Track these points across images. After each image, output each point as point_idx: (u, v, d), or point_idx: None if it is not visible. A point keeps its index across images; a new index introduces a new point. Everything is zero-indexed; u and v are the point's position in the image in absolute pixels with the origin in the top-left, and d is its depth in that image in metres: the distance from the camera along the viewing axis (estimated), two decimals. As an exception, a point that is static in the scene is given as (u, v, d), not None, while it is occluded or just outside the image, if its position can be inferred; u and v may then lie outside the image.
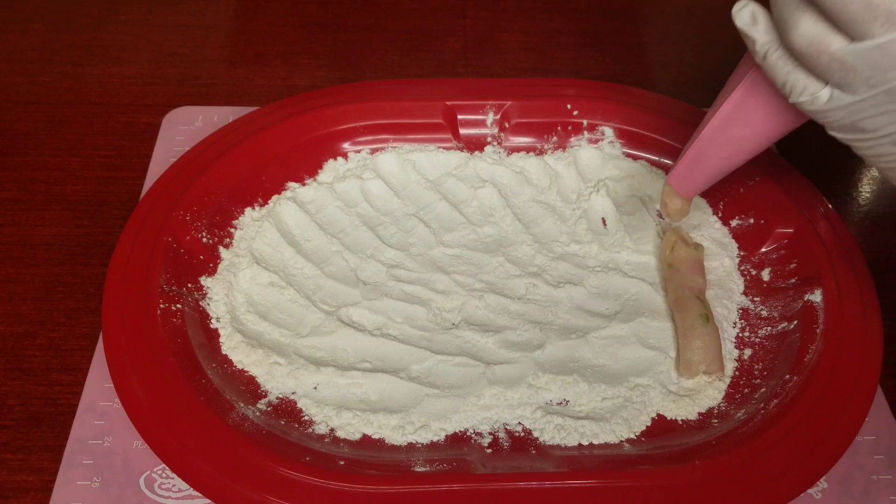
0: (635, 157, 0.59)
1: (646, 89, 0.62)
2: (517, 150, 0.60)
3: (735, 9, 0.36)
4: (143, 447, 0.43)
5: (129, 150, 0.61)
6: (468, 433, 0.45)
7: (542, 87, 0.61)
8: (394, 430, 0.44)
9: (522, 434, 0.45)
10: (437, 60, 0.71)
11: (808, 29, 0.33)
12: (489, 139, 0.60)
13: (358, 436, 0.44)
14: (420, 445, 0.44)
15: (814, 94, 0.34)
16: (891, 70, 0.32)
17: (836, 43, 0.32)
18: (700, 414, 0.46)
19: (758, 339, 0.50)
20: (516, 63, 0.71)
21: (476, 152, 0.60)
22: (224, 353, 0.47)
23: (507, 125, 0.60)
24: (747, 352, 0.49)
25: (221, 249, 0.52)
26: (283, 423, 0.44)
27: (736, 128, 0.42)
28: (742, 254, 0.55)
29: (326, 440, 0.44)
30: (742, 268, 0.54)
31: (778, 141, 0.42)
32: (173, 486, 0.43)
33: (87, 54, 0.69)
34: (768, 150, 0.58)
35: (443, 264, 0.53)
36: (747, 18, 0.36)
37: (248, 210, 0.54)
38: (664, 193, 0.48)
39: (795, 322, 0.49)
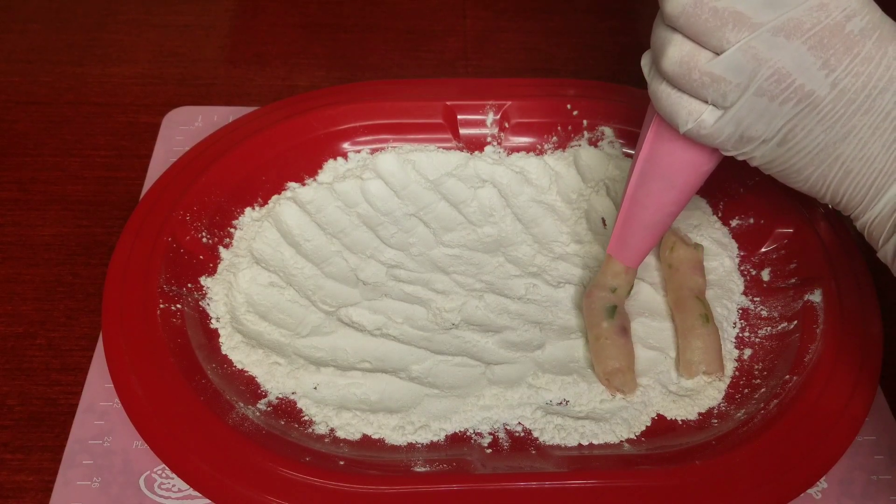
0: (635, 157, 0.59)
1: (646, 89, 0.62)
2: (517, 150, 0.60)
3: (643, 57, 0.40)
4: (143, 447, 0.43)
5: (129, 150, 0.61)
6: (468, 433, 0.45)
7: (542, 87, 0.61)
8: (394, 430, 0.44)
9: (522, 434, 0.45)
10: (437, 60, 0.71)
11: (676, 51, 0.36)
12: (489, 139, 0.60)
13: (358, 436, 0.44)
14: (420, 445, 0.44)
15: (698, 118, 0.37)
16: (753, 70, 0.34)
17: (702, 58, 0.35)
18: (700, 414, 0.46)
19: (758, 339, 0.50)
20: (516, 63, 0.71)
21: (476, 152, 0.60)
22: (224, 353, 0.47)
23: (507, 125, 0.60)
24: (747, 352, 0.49)
25: (221, 249, 0.52)
26: (283, 423, 0.44)
27: (654, 182, 0.43)
28: (742, 254, 0.55)
29: (326, 440, 0.44)
30: (742, 268, 0.54)
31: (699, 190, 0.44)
32: (173, 486, 0.43)
33: (87, 54, 0.69)
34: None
35: (443, 264, 0.53)
36: (645, 61, 0.40)
37: (248, 210, 0.54)
38: (607, 267, 0.48)
39: (795, 322, 0.49)
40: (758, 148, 0.37)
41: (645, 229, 0.46)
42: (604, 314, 0.48)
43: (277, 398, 0.46)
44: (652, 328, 0.50)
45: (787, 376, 0.45)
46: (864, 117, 0.35)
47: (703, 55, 0.35)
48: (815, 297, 0.49)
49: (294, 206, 0.55)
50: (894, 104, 0.34)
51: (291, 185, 0.56)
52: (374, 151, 0.59)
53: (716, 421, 0.45)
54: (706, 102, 0.37)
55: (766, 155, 0.38)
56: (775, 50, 0.34)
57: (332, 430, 0.44)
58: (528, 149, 0.60)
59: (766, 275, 0.53)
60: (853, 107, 0.35)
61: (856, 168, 0.36)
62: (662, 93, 0.38)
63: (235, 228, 0.54)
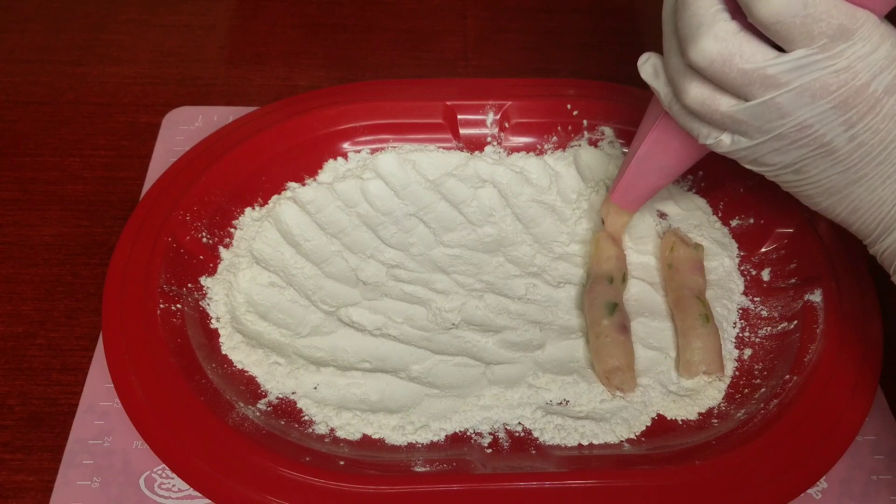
0: (635, 157, 0.59)
1: (646, 89, 0.62)
2: (517, 150, 0.60)
3: (640, 62, 0.41)
4: (143, 447, 0.43)
5: (129, 150, 0.61)
6: (468, 433, 0.45)
7: (542, 87, 0.61)
8: (394, 430, 0.44)
9: (522, 434, 0.45)
10: (437, 60, 0.71)
11: (698, 93, 0.37)
12: (489, 139, 0.60)
13: (358, 436, 0.44)
14: (420, 445, 0.44)
15: (717, 139, 0.38)
16: (776, 120, 0.35)
17: (724, 104, 0.36)
18: (700, 414, 0.46)
19: (758, 339, 0.50)
20: (516, 63, 0.71)
21: (476, 152, 0.60)
22: (224, 353, 0.47)
23: (507, 125, 0.60)
24: (747, 352, 0.49)
25: (221, 249, 0.52)
26: (283, 423, 0.44)
27: (658, 160, 0.46)
28: (742, 254, 0.55)
29: (326, 440, 0.44)
30: (742, 268, 0.54)
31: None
32: (173, 486, 0.43)
33: (87, 54, 0.69)
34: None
35: (443, 264, 0.53)
36: (650, 71, 0.40)
37: (248, 210, 0.54)
38: (608, 209, 0.51)
39: (795, 322, 0.48)
40: (773, 171, 0.38)
41: (646, 192, 0.49)
42: (604, 311, 0.48)
43: (277, 398, 0.46)
44: (652, 328, 0.50)
45: (787, 376, 0.45)
46: (878, 167, 0.36)
47: (724, 101, 0.36)
48: (815, 297, 0.49)
49: (294, 206, 0.55)
50: None
51: (291, 185, 0.56)
52: (374, 151, 0.59)
53: (716, 421, 0.45)
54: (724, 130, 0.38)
55: (781, 177, 0.39)
56: (801, 107, 0.34)
57: (332, 430, 0.44)
58: (528, 149, 0.60)
59: (766, 275, 0.53)
60: (868, 158, 0.35)
61: (864, 207, 0.37)
62: (680, 112, 0.39)
63: (235, 228, 0.54)
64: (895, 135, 0.35)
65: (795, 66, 0.33)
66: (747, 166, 0.39)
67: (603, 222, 0.52)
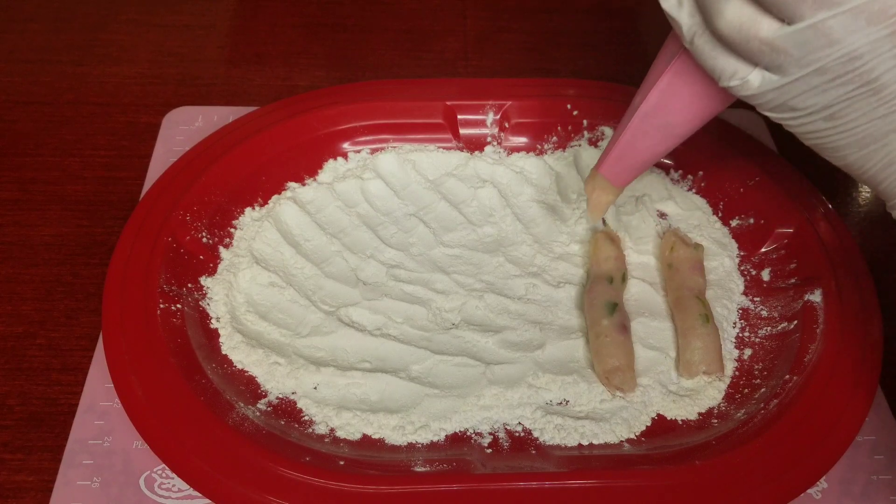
0: (635, 157, 0.59)
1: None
2: (517, 150, 0.60)
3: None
4: (143, 447, 0.43)
5: (129, 150, 0.61)
6: (468, 433, 0.45)
7: (542, 87, 0.61)
8: (394, 430, 0.44)
9: (522, 434, 0.45)
10: (437, 60, 0.71)
11: (736, 14, 0.32)
12: (489, 139, 0.60)
13: (358, 436, 0.44)
14: (420, 445, 0.44)
15: (744, 78, 0.34)
16: (821, 49, 0.31)
17: (765, 27, 0.32)
18: (700, 414, 0.46)
19: (758, 339, 0.50)
20: (516, 63, 0.71)
21: (476, 152, 0.60)
22: (224, 353, 0.47)
23: (507, 125, 0.60)
24: (747, 352, 0.49)
25: (221, 249, 0.52)
26: (283, 423, 0.44)
27: (665, 114, 0.41)
28: (742, 254, 0.55)
29: (326, 440, 0.44)
30: (742, 268, 0.54)
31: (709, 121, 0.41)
32: (173, 486, 0.43)
33: (87, 54, 0.69)
34: (768, 150, 0.58)
35: (443, 264, 0.53)
36: (673, 0, 0.35)
37: (248, 210, 0.54)
38: (593, 185, 0.47)
39: (795, 322, 0.49)
40: (800, 118, 0.34)
41: (643, 160, 0.44)
42: (604, 311, 0.48)
43: (277, 398, 0.46)
44: (652, 328, 0.50)
45: (787, 376, 0.45)
46: None
47: (767, 23, 0.32)
48: (815, 297, 0.49)
49: (294, 206, 0.55)
50: None
51: (291, 185, 0.56)
52: (374, 151, 0.59)
53: (716, 421, 0.45)
54: (756, 66, 0.34)
55: (807, 126, 0.35)
56: (853, 33, 0.31)
57: (332, 430, 0.44)
58: (528, 149, 0.60)
59: (766, 275, 0.53)
60: None
61: None
62: (705, 46, 0.34)
63: (235, 228, 0.54)
64: None
65: None
66: (768, 113, 0.35)
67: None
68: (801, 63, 0.32)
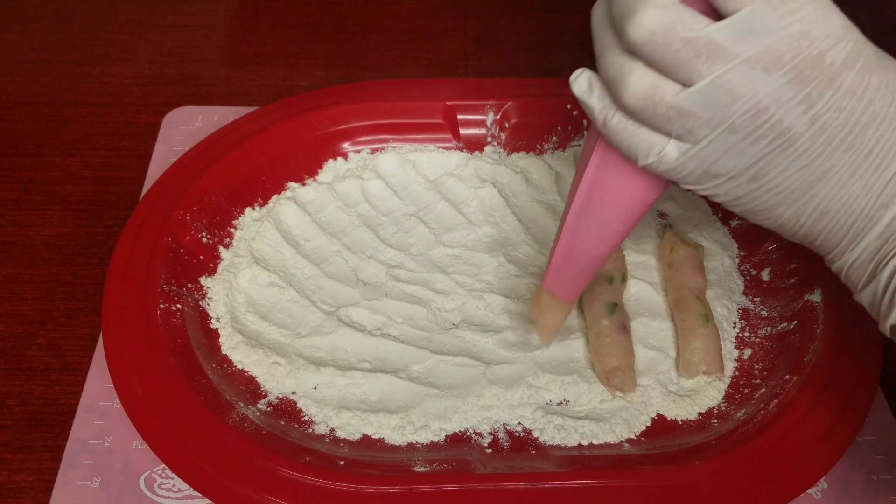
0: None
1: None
2: (517, 150, 0.60)
3: (572, 77, 0.36)
4: (143, 447, 0.43)
5: (129, 150, 0.61)
6: (468, 433, 0.45)
7: (542, 87, 0.61)
8: (394, 430, 0.44)
9: (522, 434, 0.45)
10: (437, 60, 0.71)
11: (639, 83, 0.32)
12: (489, 139, 0.60)
13: (358, 436, 0.44)
14: (420, 445, 0.44)
15: (661, 153, 0.33)
16: (727, 105, 0.31)
17: (669, 91, 0.32)
18: (700, 414, 0.46)
19: (758, 339, 0.50)
20: (516, 63, 0.71)
21: (476, 152, 0.60)
22: (224, 353, 0.47)
23: (507, 125, 0.60)
24: (747, 352, 0.49)
25: (221, 249, 0.52)
26: (283, 423, 0.44)
27: (598, 210, 0.39)
28: (742, 254, 0.55)
29: (326, 440, 0.44)
30: (742, 268, 0.54)
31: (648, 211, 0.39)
32: (173, 486, 0.43)
33: (87, 54, 0.69)
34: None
35: (443, 264, 0.53)
36: (584, 86, 0.35)
37: (248, 210, 0.54)
38: (539, 306, 0.44)
39: (795, 322, 0.49)
40: (724, 184, 0.34)
41: (584, 265, 0.42)
42: (604, 311, 0.48)
43: (277, 398, 0.46)
44: (652, 328, 0.50)
45: (787, 376, 0.45)
46: (844, 156, 0.32)
47: (670, 87, 0.32)
48: (815, 297, 0.49)
49: (294, 206, 0.55)
50: (875, 142, 0.32)
51: (291, 185, 0.56)
52: (374, 151, 0.59)
53: (716, 421, 0.45)
54: (669, 136, 0.33)
55: (733, 192, 0.34)
56: (752, 84, 0.31)
57: (332, 430, 0.44)
58: (528, 149, 0.60)
59: (766, 275, 0.53)
60: (833, 145, 0.32)
61: (833, 209, 0.34)
62: (618, 125, 0.34)
63: (235, 228, 0.54)
64: (859, 114, 0.31)
65: (743, 28, 0.30)
66: (693, 187, 0.35)
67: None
68: (710, 124, 0.32)
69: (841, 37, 0.30)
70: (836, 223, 0.34)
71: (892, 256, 0.34)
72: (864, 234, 0.34)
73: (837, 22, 0.30)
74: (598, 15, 0.35)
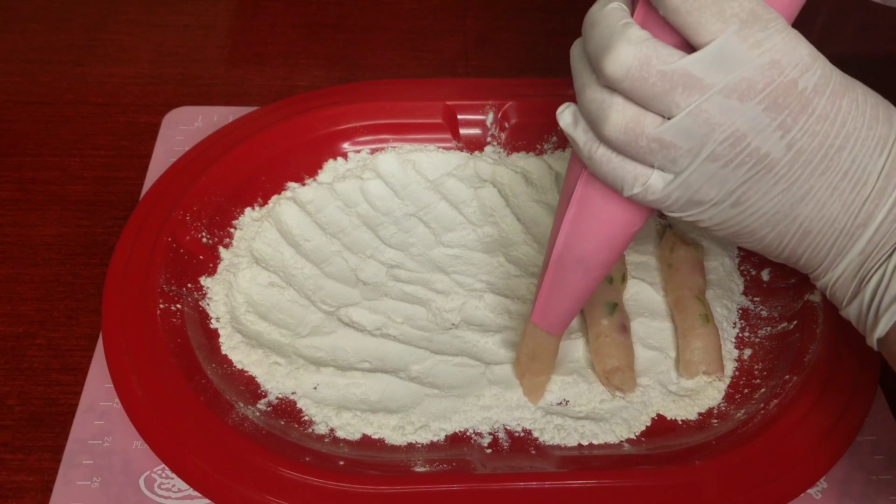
0: (635, 157, 0.59)
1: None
2: (517, 150, 0.60)
3: (558, 111, 0.37)
4: (143, 447, 0.43)
5: (129, 150, 0.61)
6: (468, 433, 0.45)
7: (542, 87, 0.61)
8: (394, 430, 0.44)
9: (522, 434, 0.45)
10: (437, 60, 0.71)
11: (620, 117, 0.33)
12: (489, 139, 0.60)
13: (358, 436, 0.44)
14: (420, 445, 0.44)
15: (646, 183, 0.34)
16: (706, 135, 0.32)
17: (649, 123, 0.33)
18: (700, 414, 0.46)
19: (758, 339, 0.50)
20: (516, 63, 0.71)
21: (476, 152, 0.60)
22: (224, 353, 0.47)
23: (507, 125, 0.60)
24: (747, 352, 0.49)
25: (221, 249, 0.52)
26: (282, 423, 0.44)
27: (582, 243, 0.39)
28: (742, 254, 0.55)
29: (326, 440, 0.44)
30: (742, 268, 0.54)
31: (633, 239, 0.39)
32: (173, 486, 0.43)
33: (87, 54, 0.69)
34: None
35: (443, 264, 0.53)
36: (569, 119, 0.36)
37: (248, 210, 0.54)
38: (528, 344, 0.44)
39: (795, 322, 0.49)
40: (708, 210, 0.35)
41: (572, 296, 0.42)
42: (604, 311, 0.48)
43: (277, 398, 0.46)
44: (652, 328, 0.50)
45: (787, 376, 0.45)
46: (822, 177, 0.33)
47: (650, 119, 0.33)
48: (815, 297, 0.49)
49: (294, 206, 0.55)
50: (851, 162, 0.33)
51: (291, 185, 0.56)
52: (374, 151, 0.59)
53: (716, 421, 0.45)
54: (652, 167, 0.34)
55: (717, 217, 0.35)
56: (728, 113, 0.32)
57: (332, 430, 0.44)
58: (528, 149, 0.60)
59: (766, 275, 0.53)
60: (810, 167, 0.33)
61: (815, 229, 0.35)
62: (602, 157, 0.35)
63: (235, 228, 0.54)
64: (833, 137, 0.32)
65: (716, 59, 0.31)
66: (678, 215, 0.36)
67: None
68: (691, 153, 0.33)
69: (809, 65, 0.32)
70: (818, 242, 0.35)
71: (875, 272, 0.35)
72: (846, 251, 0.35)
73: (805, 51, 0.32)
74: (575, 53, 0.36)
